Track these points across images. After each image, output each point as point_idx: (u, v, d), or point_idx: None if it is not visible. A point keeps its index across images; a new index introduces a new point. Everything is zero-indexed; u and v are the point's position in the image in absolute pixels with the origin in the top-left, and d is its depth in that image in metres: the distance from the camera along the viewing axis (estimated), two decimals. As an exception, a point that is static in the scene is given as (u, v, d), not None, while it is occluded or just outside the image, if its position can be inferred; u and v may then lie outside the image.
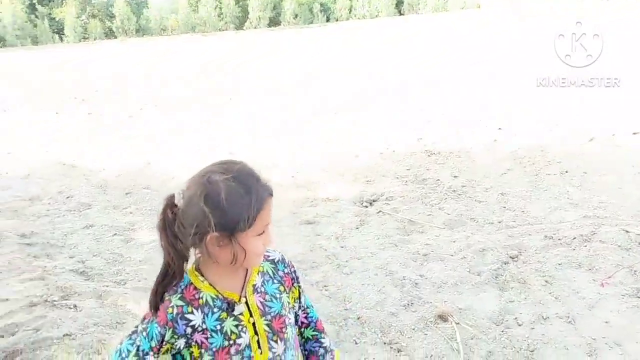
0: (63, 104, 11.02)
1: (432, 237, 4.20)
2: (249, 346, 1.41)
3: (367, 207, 4.92)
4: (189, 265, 1.39)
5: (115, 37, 27.60)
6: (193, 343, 1.37)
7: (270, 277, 1.49)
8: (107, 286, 3.57)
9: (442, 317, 3.12)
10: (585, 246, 3.87)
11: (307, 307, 1.61)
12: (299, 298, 1.58)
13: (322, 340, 1.63)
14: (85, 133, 8.59)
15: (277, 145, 7.18)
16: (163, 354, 1.36)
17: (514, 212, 4.60)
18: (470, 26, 20.32)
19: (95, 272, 3.82)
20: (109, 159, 7.04)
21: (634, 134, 6.42)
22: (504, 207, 4.74)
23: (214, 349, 1.38)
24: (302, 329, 1.62)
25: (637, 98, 7.33)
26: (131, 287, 3.61)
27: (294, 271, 1.56)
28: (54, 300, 3.25)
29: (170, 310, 1.34)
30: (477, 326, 3.05)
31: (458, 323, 3.07)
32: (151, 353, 1.33)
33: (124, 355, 1.33)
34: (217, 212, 1.26)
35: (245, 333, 1.40)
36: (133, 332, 1.36)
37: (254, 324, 1.42)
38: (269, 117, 8.88)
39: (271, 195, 1.33)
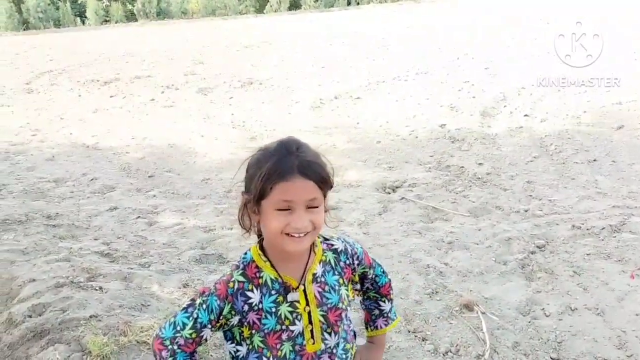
0: (85, 86, 11.09)
1: (457, 225, 4.15)
2: (302, 334, 1.40)
3: (389, 193, 4.88)
4: (253, 244, 1.42)
5: (136, 21, 27.66)
6: (245, 322, 1.38)
7: (332, 267, 1.46)
8: (132, 268, 3.59)
9: (468, 307, 3.09)
10: (615, 237, 3.79)
11: (376, 276, 1.60)
12: (364, 277, 1.59)
13: (381, 303, 1.65)
14: (108, 115, 8.65)
15: (298, 128, 7.14)
16: (218, 329, 1.39)
17: (541, 201, 4.51)
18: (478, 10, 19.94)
19: (119, 255, 3.85)
20: (132, 142, 7.08)
21: (666, 122, 6.25)
22: (531, 195, 4.65)
23: (265, 331, 1.37)
24: (367, 291, 1.64)
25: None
26: (155, 270, 3.63)
27: (357, 261, 1.51)
28: (80, 282, 3.28)
29: (231, 285, 1.36)
30: (503, 316, 3.01)
31: (484, 313, 3.03)
32: (209, 326, 1.35)
33: (178, 328, 1.34)
34: (246, 175, 1.35)
35: (299, 321, 1.39)
36: (189, 306, 1.37)
37: (309, 313, 1.40)
38: (290, 100, 8.83)
39: (303, 174, 1.27)
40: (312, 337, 1.41)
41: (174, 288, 3.38)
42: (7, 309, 3.03)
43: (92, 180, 5.62)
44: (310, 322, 1.40)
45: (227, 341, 1.44)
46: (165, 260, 3.80)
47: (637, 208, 4.17)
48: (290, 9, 28.78)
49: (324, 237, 1.49)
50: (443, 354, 2.73)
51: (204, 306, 1.34)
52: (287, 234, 1.29)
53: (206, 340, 1.38)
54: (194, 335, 1.34)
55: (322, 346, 1.42)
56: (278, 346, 1.39)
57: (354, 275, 1.52)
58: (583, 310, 3.03)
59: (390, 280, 1.65)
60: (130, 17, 28.50)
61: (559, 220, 4.15)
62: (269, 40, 16.31)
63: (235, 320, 1.37)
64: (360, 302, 1.69)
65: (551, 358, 2.69)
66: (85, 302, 3.00)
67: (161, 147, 6.82)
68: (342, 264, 1.47)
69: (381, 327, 1.66)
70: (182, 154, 6.52)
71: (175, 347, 1.35)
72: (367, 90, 9.17)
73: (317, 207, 1.31)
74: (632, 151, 5.46)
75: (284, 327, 1.37)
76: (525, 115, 7.02)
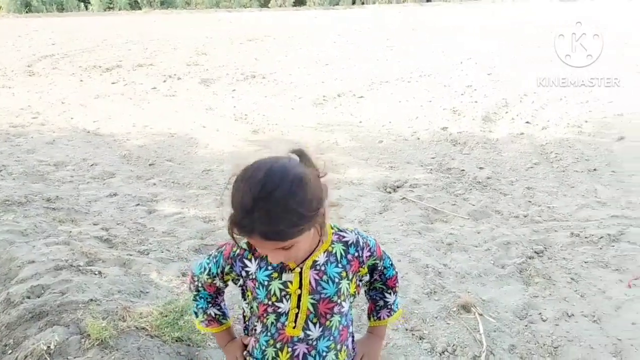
0: (87, 72, 11.04)
1: (457, 227, 4.17)
2: (286, 314, 1.41)
3: (390, 193, 4.89)
4: None
5: (140, 9, 27.55)
6: (246, 288, 1.46)
7: (336, 259, 1.44)
8: (131, 255, 3.59)
9: (465, 308, 3.10)
10: (613, 246, 3.81)
11: (385, 268, 1.61)
12: (374, 268, 1.59)
13: (387, 294, 1.67)
14: (109, 102, 8.62)
15: (300, 124, 7.14)
16: (227, 281, 1.54)
17: (540, 207, 4.54)
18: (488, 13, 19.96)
19: (118, 241, 3.84)
20: (133, 129, 7.06)
21: (666, 135, 6.28)
22: (530, 201, 4.67)
23: (258, 300, 1.43)
24: (374, 282, 1.65)
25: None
26: (154, 257, 3.63)
27: (369, 253, 1.51)
28: (79, 266, 3.28)
29: (235, 249, 1.45)
30: (500, 319, 3.03)
31: (481, 314, 3.05)
32: (218, 277, 1.52)
33: (202, 270, 1.55)
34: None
35: (287, 301, 1.41)
36: (211, 254, 1.54)
37: (299, 296, 1.41)
38: (293, 96, 8.83)
39: (265, 238, 1.20)
40: (295, 321, 1.42)
41: (173, 276, 3.39)
42: (6, 289, 3.02)
43: (92, 165, 5.60)
44: (298, 307, 1.41)
45: (243, 299, 1.54)
46: (164, 249, 3.80)
47: (636, 219, 4.20)
48: (295, 4, 28.74)
49: (338, 229, 1.50)
50: (440, 353, 2.74)
51: (214, 260, 1.50)
52: None
53: (221, 288, 1.58)
54: (209, 281, 1.54)
55: (302, 334, 1.43)
56: (264, 315, 1.44)
57: (362, 268, 1.51)
58: (580, 317, 3.05)
59: (397, 272, 1.67)
60: (134, 4, 28.39)
61: (557, 227, 4.17)
62: (273, 35, 16.29)
63: (240, 281, 1.47)
64: (365, 292, 1.69)
65: (547, 362, 2.71)
66: (84, 286, 3.00)
67: (162, 135, 6.81)
68: (349, 256, 1.46)
69: (384, 318, 1.68)
70: (183, 143, 6.51)
71: (199, 284, 1.57)
72: (370, 90, 9.18)
73: (292, 247, 1.27)
74: (632, 162, 5.49)
75: (270, 302, 1.41)
76: (527, 122, 7.04)
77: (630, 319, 3.00)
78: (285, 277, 1.39)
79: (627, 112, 7.21)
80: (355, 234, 1.50)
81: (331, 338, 1.46)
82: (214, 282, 1.53)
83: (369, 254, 1.51)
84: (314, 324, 1.43)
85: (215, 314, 1.61)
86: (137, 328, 2.63)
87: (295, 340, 1.43)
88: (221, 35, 16.34)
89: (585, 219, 4.27)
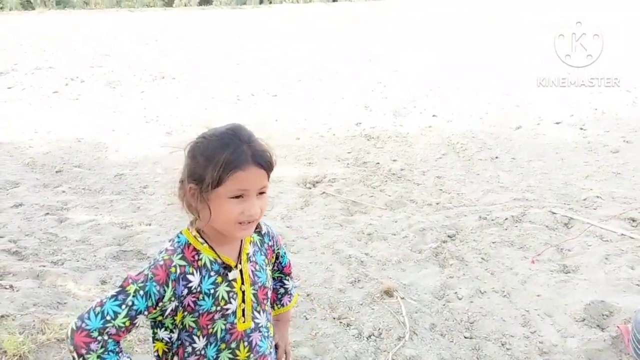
0: (-22, 76, 10.24)
1: (375, 217, 4.33)
2: (234, 313, 1.43)
3: (310, 188, 4.98)
4: (185, 227, 1.42)
5: (33, 9, 25.87)
6: (181, 308, 1.36)
7: (259, 248, 1.52)
8: (44, 266, 3.41)
9: (388, 293, 3.24)
10: (517, 226, 4.12)
11: (281, 257, 1.69)
12: (277, 257, 1.67)
13: (285, 281, 1.75)
14: (6, 108, 8.05)
15: (215, 124, 7.05)
16: (152, 315, 1.33)
17: (450, 195, 4.81)
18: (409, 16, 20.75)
19: (29, 252, 3.63)
20: (35, 136, 6.65)
21: (557, 123, 6.86)
22: (441, 189, 4.94)
23: (200, 312, 1.37)
24: (273, 272, 1.70)
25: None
26: (70, 267, 3.47)
27: (276, 242, 1.61)
28: (-13, 281, 3.07)
29: (173, 269, 1.32)
30: (420, 300, 3.20)
31: (403, 298, 3.20)
32: (145, 313, 1.29)
33: (108, 317, 1.25)
34: (193, 162, 1.34)
35: (234, 300, 1.42)
36: (118, 293, 1.28)
37: (244, 292, 1.44)
38: (205, 95, 8.69)
39: (257, 164, 1.31)
40: (243, 315, 1.44)
41: (92, 285, 3.26)
42: None
43: (-8, 175, 5.22)
44: (244, 301, 1.44)
45: (160, 329, 1.40)
46: (79, 258, 3.64)
47: (535, 200, 4.57)
48: (201, 4, 28.23)
49: None
50: (367, 338, 2.85)
51: (141, 292, 1.28)
52: (239, 222, 1.34)
53: (136, 326, 1.33)
54: (127, 324, 1.28)
55: (252, 324, 1.46)
56: (209, 325, 1.39)
57: (273, 257, 1.61)
58: (491, 293, 3.28)
59: (290, 260, 1.75)
60: (27, 4, 26.60)
61: (467, 212, 4.44)
62: (180, 35, 15.91)
63: (171, 306, 1.33)
64: None
65: (464, 337, 2.90)
66: (-5, 302, 2.82)
67: (68, 141, 6.47)
68: (265, 245, 1.54)
69: (286, 304, 1.76)
70: (91, 148, 6.23)
71: (106, 337, 1.26)
72: (284, 88, 9.24)
73: (265, 192, 1.37)
74: (530, 149, 5.96)
75: (219, 307, 1.39)
76: (434, 116, 7.41)
77: (535, 292, 3.27)
78: (232, 275, 1.41)
79: (523, 103, 7.79)
80: (265, 225, 1.58)
81: (268, 318, 1.54)
82: (135, 321, 1.29)
83: (277, 244, 1.62)
84: (259, 312, 1.48)
85: None
86: (58, 340, 2.52)
87: (248, 332, 1.46)
88: (125, 36, 15.72)
89: (491, 203, 4.59)
